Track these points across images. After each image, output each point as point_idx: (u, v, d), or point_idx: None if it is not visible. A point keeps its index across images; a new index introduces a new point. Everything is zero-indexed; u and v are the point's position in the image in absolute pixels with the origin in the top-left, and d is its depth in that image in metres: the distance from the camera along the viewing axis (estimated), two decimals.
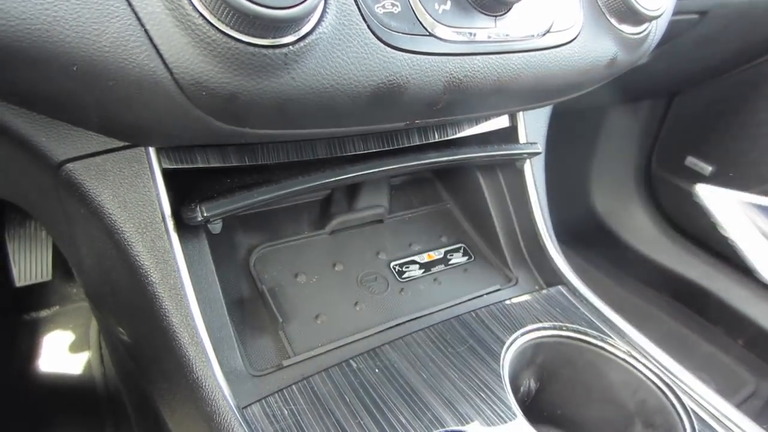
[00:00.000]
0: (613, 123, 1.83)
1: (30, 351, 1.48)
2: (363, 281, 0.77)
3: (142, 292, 0.58)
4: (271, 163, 0.64)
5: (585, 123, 1.85)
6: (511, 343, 0.66)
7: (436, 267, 0.82)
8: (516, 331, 0.68)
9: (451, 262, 0.83)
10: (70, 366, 1.45)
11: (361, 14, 0.45)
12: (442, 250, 0.85)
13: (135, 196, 0.56)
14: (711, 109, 1.74)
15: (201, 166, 0.60)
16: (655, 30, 0.71)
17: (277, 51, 0.41)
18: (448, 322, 0.66)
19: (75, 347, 1.49)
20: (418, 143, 0.73)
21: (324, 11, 0.43)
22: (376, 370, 0.59)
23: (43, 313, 1.53)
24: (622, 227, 1.88)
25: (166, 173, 0.59)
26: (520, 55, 0.55)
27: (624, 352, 0.68)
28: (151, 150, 0.56)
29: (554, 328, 0.69)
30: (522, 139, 0.82)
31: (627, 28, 0.64)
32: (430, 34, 0.49)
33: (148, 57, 0.39)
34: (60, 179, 0.55)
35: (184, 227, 0.60)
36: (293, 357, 0.65)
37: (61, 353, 1.47)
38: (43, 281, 1.38)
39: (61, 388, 1.43)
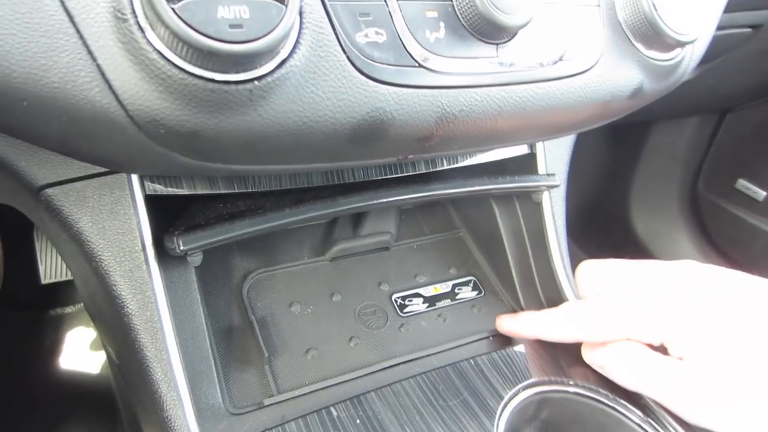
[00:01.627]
0: (656, 140, 1.73)
1: (54, 346, 1.51)
2: (361, 314, 0.73)
3: (119, 321, 0.55)
4: (264, 190, 0.61)
5: (625, 139, 1.76)
6: (511, 399, 0.61)
7: (442, 302, 0.77)
8: (518, 384, 0.62)
9: (458, 297, 0.78)
10: (90, 362, 1.48)
11: (340, 45, 0.41)
12: (450, 283, 0.80)
13: (115, 223, 0.54)
14: (766, 128, 1.62)
15: (187, 192, 0.57)
16: (691, 55, 0.64)
17: (240, 87, 0.37)
18: (443, 369, 0.62)
19: (96, 344, 1.51)
20: (424, 171, 0.69)
21: (297, 43, 0.39)
22: (357, 421, 0.55)
23: (68, 310, 1.55)
24: (664, 253, 1.78)
25: (150, 199, 0.56)
26: (526, 86, 0.50)
27: (639, 417, 0.61)
28: (134, 176, 0.54)
29: (560, 383, 0.64)
30: (541, 168, 0.76)
31: (655, 54, 0.58)
32: (420, 65, 0.44)
33: (101, 93, 0.36)
34: (40, 203, 0.53)
35: (167, 255, 0.57)
36: (275, 396, 0.61)
37: (82, 349, 1.50)
38: (68, 279, 1.40)
39: (80, 384, 1.46)
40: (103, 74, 0.36)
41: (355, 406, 0.57)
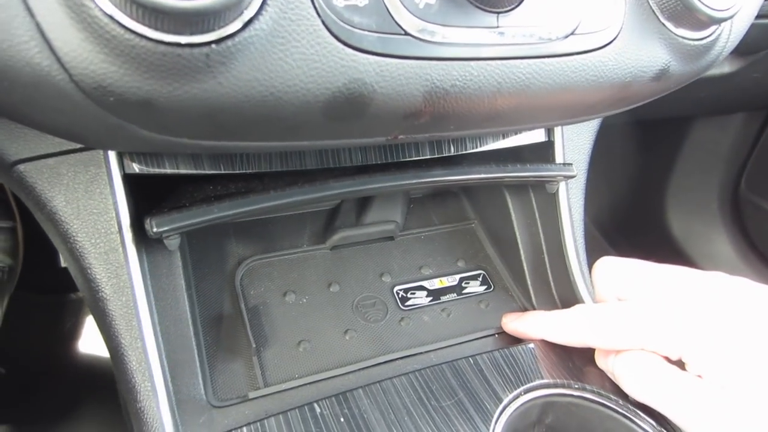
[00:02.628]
0: (698, 136, 1.63)
1: (73, 328, 1.53)
2: (359, 306, 0.69)
3: (95, 306, 0.53)
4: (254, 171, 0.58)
5: (665, 134, 1.67)
6: (510, 402, 0.56)
7: (447, 296, 0.73)
8: (520, 386, 0.57)
9: (465, 292, 0.74)
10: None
11: (315, 7, 0.37)
12: (457, 277, 0.75)
13: (90, 203, 0.51)
14: None
15: (169, 172, 0.54)
16: (728, 35, 0.58)
17: (195, 51, 0.34)
18: (438, 367, 0.57)
19: None
20: (428, 156, 0.64)
21: (264, 3, 0.35)
22: (341, 419, 0.51)
23: None
24: (701, 255, 1.68)
25: (130, 179, 0.54)
26: (531, 62, 0.45)
27: (652, 427, 0.56)
28: (112, 153, 0.51)
29: (566, 386, 0.58)
30: (559, 157, 0.71)
31: (685, 32, 0.52)
32: (406, 33, 0.40)
33: (41, 54, 0.33)
34: (14, 180, 0.51)
35: (149, 238, 0.54)
36: (262, 389, 0.58)
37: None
38: None
39: (98, 368, 1.47)
40: (42, 33, 0.32)
41: (340, 403, 0.53)
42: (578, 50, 0.47)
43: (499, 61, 0.43)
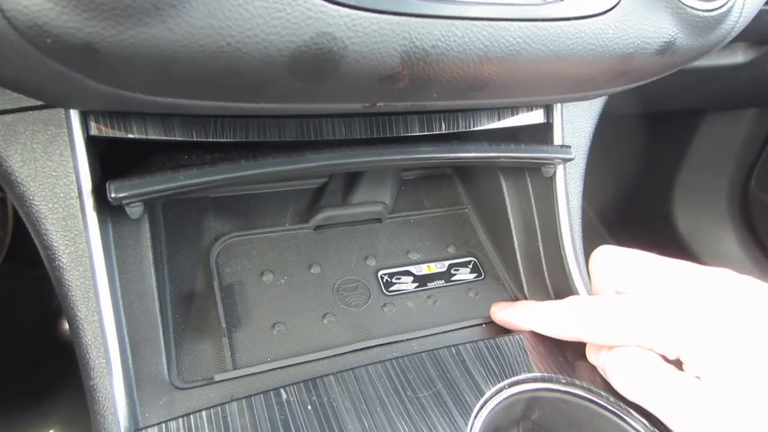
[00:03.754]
0: (708, 131, 1.58)
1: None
2: (340, 290, 0.65)
3: (53, 274, 0.50)
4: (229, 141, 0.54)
5: (674, 128, 1.62)
6: (493, 396, 0.52)
7: (435, 282, 0.69)
8: (504, 379, 0.54)
9: (454, 279, 0.70)
10: None
11: None
12: (447, 263, 0.72)
13: (49, 164, 0.48)
14: None
15: (137, 137, 0.51)
16: (742, 7, 0.53)
17: None
18: (417, 356, 0.54)
19: None
20: (417, 133, 0.61)
21: None
22: (308, 407, 0.48)
23: None
24: (708, 253, 1.63)
25: (95, 142, 0.50)
26: (522, 24, 0.41)
27: (645, 427, 0.52)
28: (74, 113, 0.48)
29: (554, 380, 0.55)
30: (557, 139, 0.67)
31: (694, 1, 0.48)
32: None
33: None
34: None
35: (116, 208, 0.51)
36: (230, 371, 0.55)
37: None
38: None
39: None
40: None
41: (308, 389, 0.49)
42: (575, 15, 0.43)
43: (486, 22, 0.40)
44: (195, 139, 0.53)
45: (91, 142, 0.50)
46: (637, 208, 1.77)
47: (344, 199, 0.72)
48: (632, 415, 0.54)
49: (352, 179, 0.74)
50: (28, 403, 1.36)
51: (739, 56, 1.09)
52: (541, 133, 0.68)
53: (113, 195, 0.46)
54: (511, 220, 0.71)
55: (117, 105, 0.41)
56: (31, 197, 0.48)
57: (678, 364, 0.51)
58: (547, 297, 0.69)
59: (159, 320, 0.54)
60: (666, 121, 1.64)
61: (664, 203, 1.68)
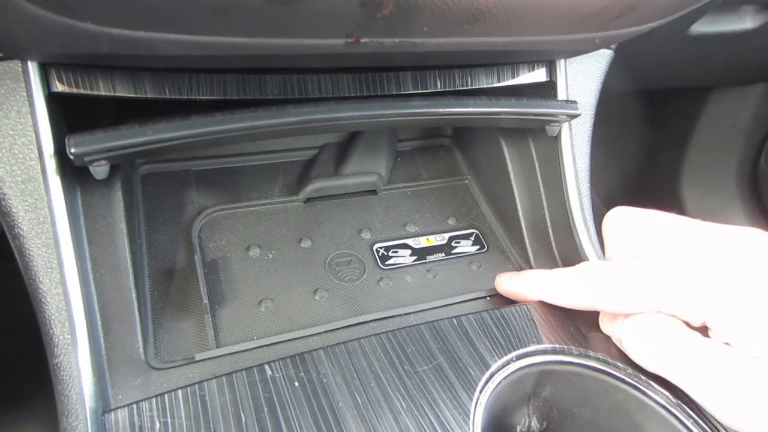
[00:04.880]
0: (715, 108, 1.53)
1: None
2: (332, 264, 0.61)
3: (14, 244, 0.45)
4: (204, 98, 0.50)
5: (679, 106, 1.57)
6: (500, 369, 0.48)
7: (434, 255, 0.64)
8: (511, 351, 0.49)
9: (455, 251, 0.66)
10: None
11: None
12: (447, 235, 0.67)
13: (5, 122, 0.44)
14: None
15: (104, 94, 0.46)
16: None
17: None
18: (415, 328, 0.49)
19: None
20: (411, 91, 0.56)
21: None
22: (296, 383, 0.44)
23: None
24: None
25: (59, 101, 0.46)
26: None
27: (667, 399, 0.47)
28: (32, 66, 0.44)
29: (566, 352, 0.50)
30: (561, 98, 0.62)
31: None
32: None
33: None
34: None
35: (86, 171, 0.47)
36: (212, 350, 0.51)
37: None
38: None
39: None
40: None
41: (296, 365, 0.45)
42: None
43: None
44: (167, 96, 0.48)
45: (55, 100, 0.46)
46: (644, 191, 1.72)
47: (336, 170, 0.68)
48: (653, 387, 0.49)
49: (344, 149, 0.69)
50: (30, 393, 1.32)
51: (748, 21, 1.04)
52: (544, 94, 0.63)
53: (73, 150, 0.41)
54: (514, 187, 0.67)
55: (70, 45, 0.37)
56: None
57: (703, 331, 0.46)
58: (554, 266, 0.64)
59: (134, 295, 0.49)
60: (671, 99, 1.60)
61: (671, 184, 1.63)
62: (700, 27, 0.96)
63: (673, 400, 0.47)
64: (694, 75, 1.30)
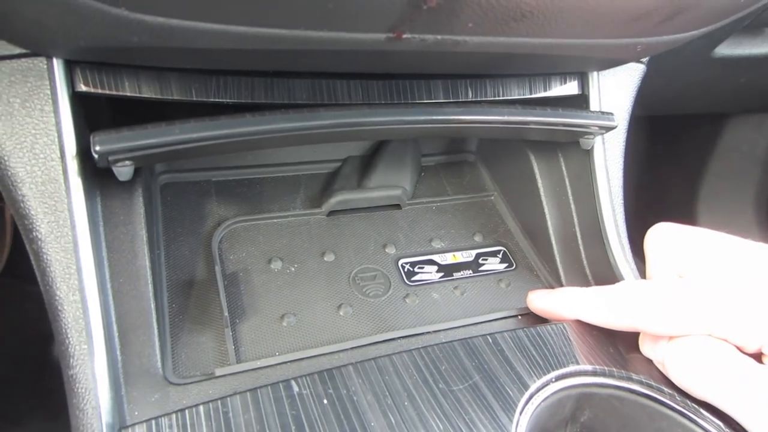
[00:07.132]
0: (732, 136, 1.52)
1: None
2: (356, 279, 0.58)
3: (31, 247, 0.43)
4: (238, 102, 0.48)
5: (696, 133, 1.56)
6: (539, 390, 0.45)
7: (461, 272, 0.62)
8: (550, 371, 0.46)
9: (482, 269, 0.63)
10: None
11: None
12: (473, 252, 0.65)
13: (28, 121, 0.42)
14: None
15: (129, 95, 0.45)
16: None
17: None
18: (449, 345, 0.46)
19: None
20: (442, 100, 0.55)
21: None
22: (324, 401, 0.41)
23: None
24: None
25: (84, 101, 0.45)
26: None
27: (717, 428, 0.44)
28: (58, 63, 0.42)
29: (607, 374, 0.47)
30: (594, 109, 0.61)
31: None
32: None
33: None
34: None
35: (107, 175, 0.45)
36: (233, 365, 0.48)
37: None
38: None
39: None
40: None
41: (324, 381, 0.42)
42: None
43: None
44: (194, 98, 0.47)
45: (80, 100, 0.44)
46: (660, 218, 1.70)
47: (360, 183, 0.66)
48: (702, 414, 0.46)
49: (368, 162, 0.68)
50: (32, 409, 1.28)
51: None
52: (576, 108, 0.62)
53: (98, 148, 0.39)
54: (544, 203, 0.65)
55: (100, 36, 0.35)
56: (6, 156, 0.42)
57: (757, 357, 0.44)
58: (586, 285, 0.61)
59: (152, 306, 0.47)
60: (687, 126, 1.58)
61: (688, 213, 1.60)
62: (724, 49, 0.95)
63: (726, 429, 0.44)
64: (714, 99, 1.29)
